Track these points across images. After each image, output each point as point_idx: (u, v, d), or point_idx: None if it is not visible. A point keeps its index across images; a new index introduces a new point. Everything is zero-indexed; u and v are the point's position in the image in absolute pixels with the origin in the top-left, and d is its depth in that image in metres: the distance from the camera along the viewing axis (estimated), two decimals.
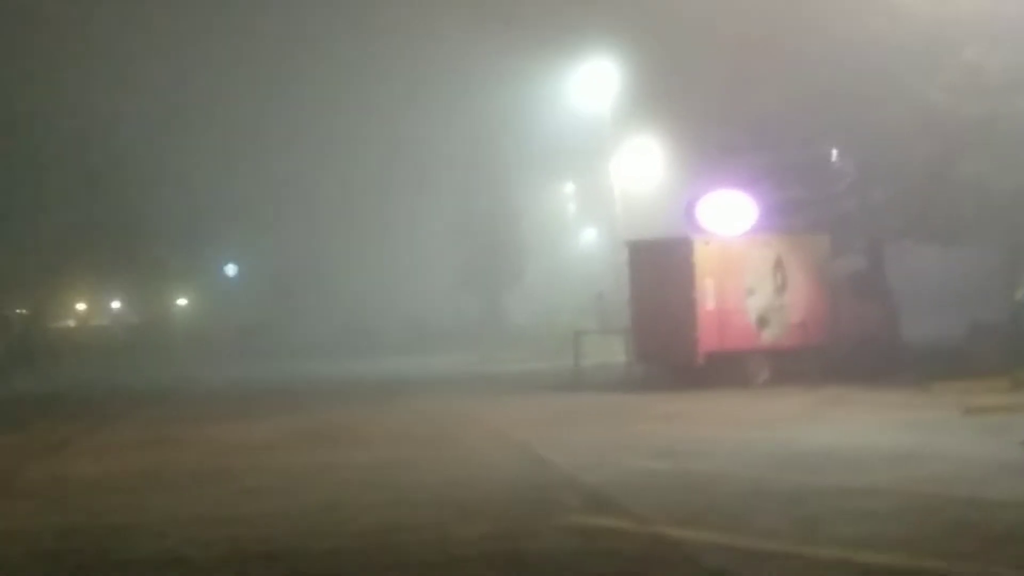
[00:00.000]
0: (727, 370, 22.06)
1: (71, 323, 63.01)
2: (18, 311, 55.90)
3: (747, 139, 25.26)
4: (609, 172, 38.30)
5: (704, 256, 22.38)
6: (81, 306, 64.39)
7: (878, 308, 23.85)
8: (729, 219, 23.53)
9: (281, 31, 72.07)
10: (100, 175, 58.85)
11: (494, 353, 41.21)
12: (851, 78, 22.26)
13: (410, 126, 71.70)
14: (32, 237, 52.23)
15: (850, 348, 22.68)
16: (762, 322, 22.59)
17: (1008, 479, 10.62)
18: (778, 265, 22.82)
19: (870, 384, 20.04)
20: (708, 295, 22.17)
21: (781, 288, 22.78)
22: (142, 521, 10.48)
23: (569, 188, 62.86)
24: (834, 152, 25.86)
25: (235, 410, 22.67)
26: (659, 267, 23.08)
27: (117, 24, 59.26)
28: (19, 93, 48.52)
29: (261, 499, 11.47)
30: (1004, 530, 8.56)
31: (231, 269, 79.56)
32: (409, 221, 75.93)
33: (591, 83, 38.09)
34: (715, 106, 25.22)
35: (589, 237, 60.01)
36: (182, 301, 74.47)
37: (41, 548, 9.45)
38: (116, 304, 68.61)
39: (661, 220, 29.93)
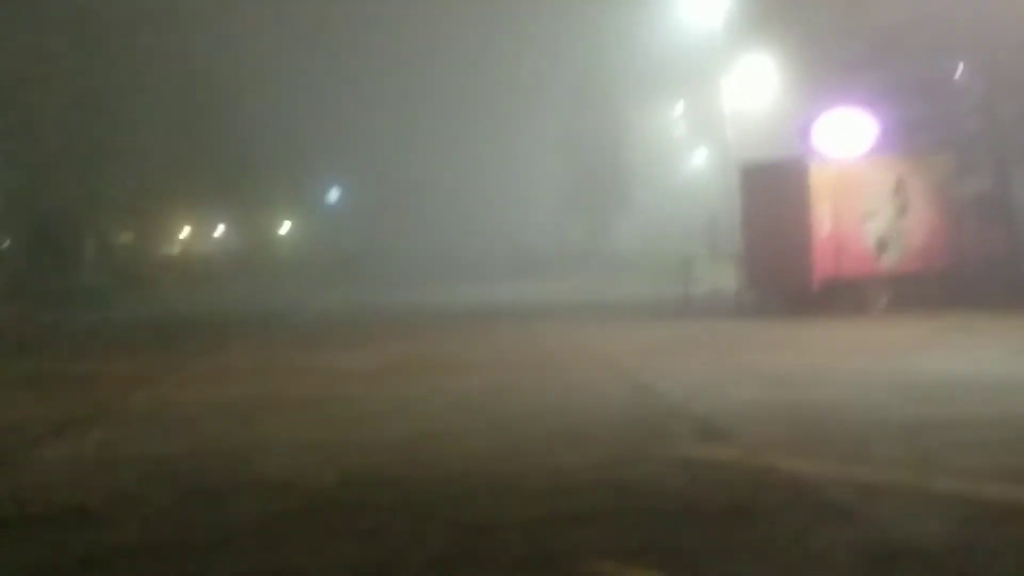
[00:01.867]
0: (844, 297, 21.44)
1: (175, 250, 64.21)
2: (123, 238, 57.09)
3: (867, 54, 24.32)
4: (721, 91, 37.30)
5: (820, 179, 21.66)
6: (184, 233, 65.52)
7: (1005, 231, 22.89)
8: (847, 140, 22.68)
9: None
10: (205, 101, 59.52)
11: (601, 278, 40.94)
12: None
13: (518, 45, 71.04)
14: (137, 164, 53.11)
15: (975, 273, 21.84)
16: (881, 246, 21.83)
17: None
18: (899, 187, 21.96)
19: (995, 311, 19.27)
20: (824, 220, 21.48)
21: (902, 211, 21.94)
22: (250, 446, 10.48)
23: (679, 108, 61.59)
24: (960, 67, 24.77)
25: (339, 337, 22.79)
26: (773, 191, 22.42)
27: None
28: (122, 20, 49.10)
29: (369, 425, 11.39)
30: None
31: (333, 194, 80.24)
32: (515, 144, 75.50)
33: None
34: (834, 19, 24.30)
35: (700, 159, 58.88)
36: (285, 226, 75.30)
37: (149, 473, 9.47)
38: (219, 230, 69.63)
39: (775, 141, 29.13)
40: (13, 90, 44.90)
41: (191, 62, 57.69)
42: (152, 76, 53.91)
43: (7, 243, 47.65)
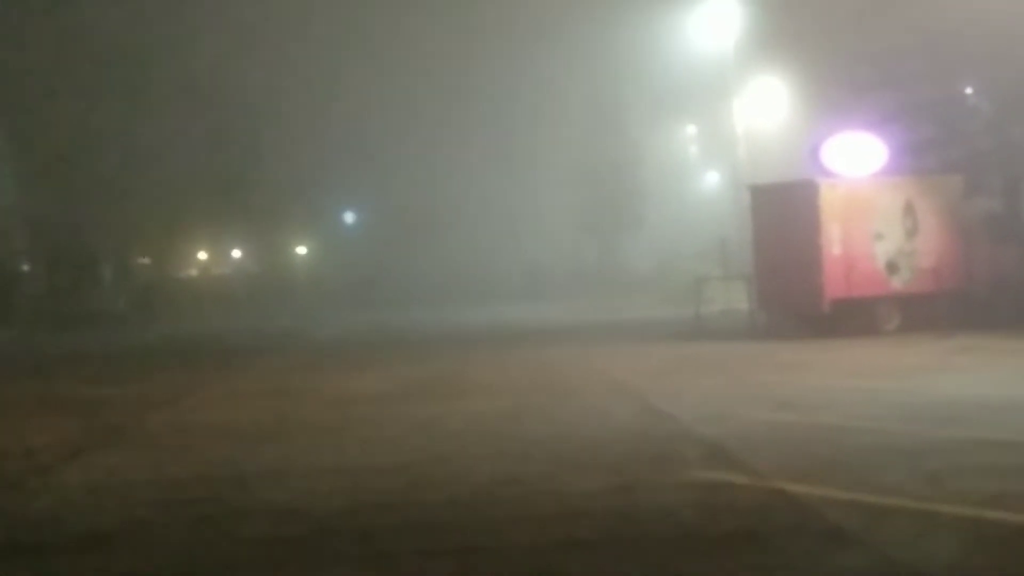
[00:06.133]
0: (854, 317, 21.47)
1: (193, 272, 64.52)
2: (141, 261, 57.36)
3: (877, 76, 24.42)
4: (732, 113, 37.40)
5: (830, 200, 21.72)
6: (203, 255, 65.86)
7: (1015, 251, 22.88)
8: (857, 161, 22.76)
9: None
10: (220, 123, 59.93)
11: (614, 300, 41.01)
12: (987, 10, 21.27)
13: (529, 69, 71.35)
14: (154, 187, 53.42)
15: (985, 294, 21.85)
16: (891, 267, 21.87)
17: None
18: (908, 208, 22.01)
19: (1005, 332, 19.28)
20: (834, 240, 21.53)
21: (912, 232, 21.99)
22: (260, 471, 10.58)
23: (691, 130, 61.72)
24: (969, 89, 24.83)
25: (353, 359, 22.91)
26: (783, 211, 22.47)
27: None
28: (141, 45, 49.54)
29: (378, 450, 11.50)
30: None
31: (349, 217, 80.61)
32: (528, 166, 75.71)
33: (714, 21, 36.95)
34: (843, 42, 24.43)
35: (712, 180, 58.92)
36: (301, 249, 75.63)
37: (161, 498, 9.57)
38: (237, 253, 69.94)
39: (786, 162, 29.19)
40: (35, 120, 45.35)
41: (209, 88, 58.09)
42: (170, 102, 54.27)
43: (27, 267, 47.96)
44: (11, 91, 44.67)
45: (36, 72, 45.02)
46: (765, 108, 36.96)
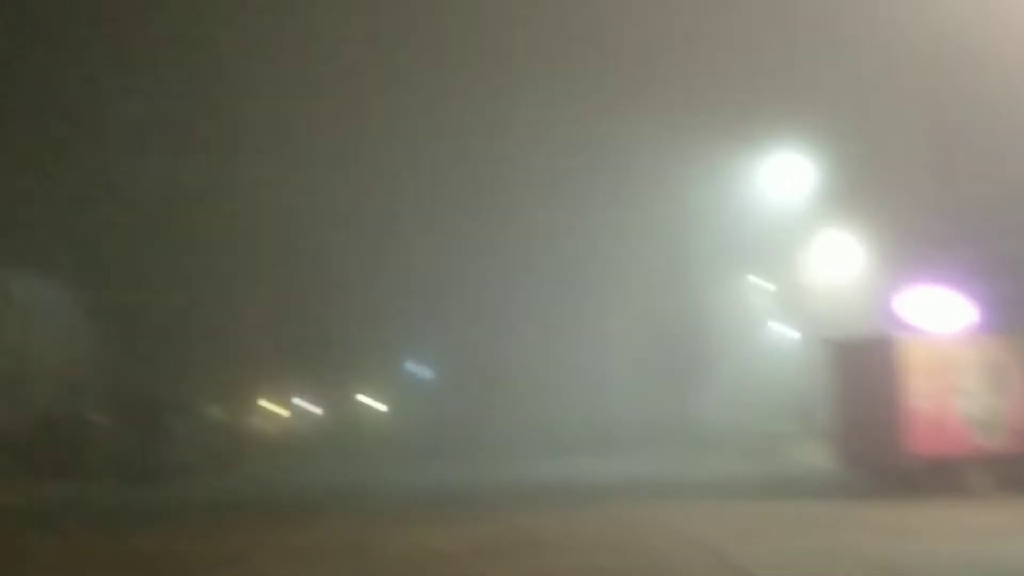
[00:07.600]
0: (938, 476, 20.79)
1: (265, 423, 64.65)
2: (212, 412, 57.66)
3: (953, 231, 24.21)
4: (805, 266, 37.26)
5: (912, 355, 21.32)
6: (274, 407, 66.08)
7: None
8: (936, 316, 22.39)
9: (471, 128, 73.25)
10: (298, 278, 60.97)
11: (685, 455, 40.29)
12: None
13: (596, 220, 71.83)
14: (229, 338, 54.09)
15: None
16: (977, 426, 21.26)
17: None
18: (994, 365, 21.50)
19: None
20: (919, 396, 21.05)
21: (1000, 390, 21.43)
22: None
23: (763, 282, 61.47)
24: None
25: (424, 515, 22.53)
26: (863, 367, 22.07)
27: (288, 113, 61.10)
28: (212, 197, 50.79)
29: None
30: None
31: (422, 371, 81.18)
32: (595, 318, 75.71)
33: (783, 175, 37.27)
34: (917, 197, 24.35)
35: (781, 332, 58.36)
36: (374, 401, 75.98)
37: None
38: (308, 405, 70.22)
39: (858, 315, 28.85)
40: (107, 271, 46.49)
41: (286, 240, 59.41)
42: (247, 253, 55.42)
43: (98, 419, 48.34)
44: (79, 247, 45.99)
45: (102, 228, 46.41)
46: (838, 260, 36.79)
